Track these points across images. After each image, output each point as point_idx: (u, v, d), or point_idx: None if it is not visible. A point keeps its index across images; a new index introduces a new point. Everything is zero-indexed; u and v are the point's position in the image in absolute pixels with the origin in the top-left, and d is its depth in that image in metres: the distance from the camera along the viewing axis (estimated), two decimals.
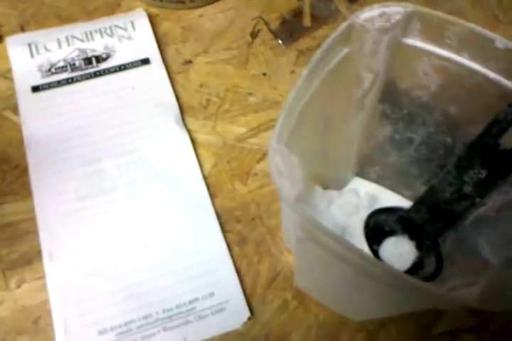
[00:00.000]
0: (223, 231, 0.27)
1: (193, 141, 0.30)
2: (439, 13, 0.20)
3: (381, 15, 0.20)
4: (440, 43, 0.20)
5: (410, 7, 0.20)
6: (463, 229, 0.23)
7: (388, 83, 0.23)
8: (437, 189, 0.22)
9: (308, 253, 0.20)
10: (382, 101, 0.24)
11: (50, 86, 0.31)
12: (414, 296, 0.17)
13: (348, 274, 0.18)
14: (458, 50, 0.20)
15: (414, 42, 0.21)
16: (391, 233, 0.26)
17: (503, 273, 0.16)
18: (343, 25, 0.19)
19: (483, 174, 0.20)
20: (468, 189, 0.21)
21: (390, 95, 0.23)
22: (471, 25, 0.20)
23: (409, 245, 0.25)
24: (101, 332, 0.23)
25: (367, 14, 0.19)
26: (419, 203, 0.24)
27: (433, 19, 0.20)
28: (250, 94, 0.33)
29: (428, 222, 0.23)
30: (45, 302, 0.24)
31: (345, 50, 0.20)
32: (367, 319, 0.25)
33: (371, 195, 0.28)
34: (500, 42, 0.19)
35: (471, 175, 0.21)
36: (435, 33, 0.20)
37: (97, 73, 0.31)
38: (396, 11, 0.20)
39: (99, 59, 0.32)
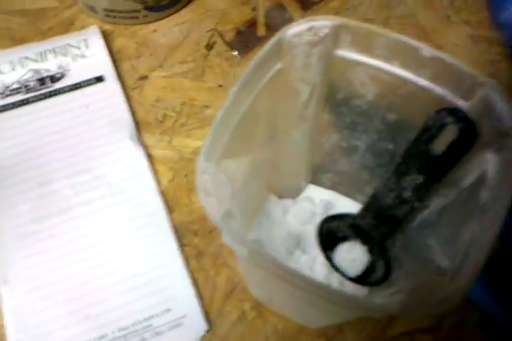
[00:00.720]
0: (180, 245, 0.27)
1: (150, 157, 0.30)
2: (366, 25, 0.20)
3: (309, 29, 0.20)
4: (371, 54, 0.21)
5: (338, 20, 0.20)
6: (410, 232, 0.24)
7: (328, 93, 0.23)
8: (379, 195, 0.23)
9: (251, 270, 0.20)
10: (325, 111, 0.24)
11: (4, 108, 0.31)
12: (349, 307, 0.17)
13: (291, 290, 0.19)
14: (388, 60, 0.21)
15: (346, 53, 0.21)
16: (344, 239, 0.26)
17: (424, 281, 0.16)
18: (271, 42, 0.19)
19: (420, 179, 0.21)
20: (407, 194, 0.21)
21: (332, 105, 0.24)
22: (398, 35, 0.20)
23: (362, 250, 0.26)
24: None
25: (295, 29, 0.20)
26: (364, 209, 0.24)
27: (361, 31, 0.20)
28: (206, 106, 0.33)
29: (374, 228, 0.24)
30: (0, 328, 0.24)
31: (277, 65, 0.20)
32: (324, 326, 0.25)
33: (326, 201, 0.28)
34: (426, 51, 0.20)
35: (408, 181, 0.21)
36: (365, 44, 0.21)
37: (52, 93, 0.32)
38: (324, 24, 0.20)
39: (54, 79, 0.32)
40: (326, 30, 0.20)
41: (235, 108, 0.18)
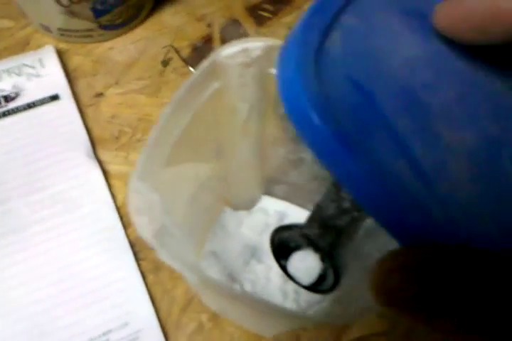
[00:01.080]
0: (137, 259, 0.28)
1: (106, 173, 0.31)
2: None
3: (243, 51, 0.21)
4: None
5: (271, 41, 0.21)
6: (357, 241, 0.25)
7: (269, 109, 0.24)
8: (322, 205, 0.24)
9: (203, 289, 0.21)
10: (269, 126, 0.25)
11: None
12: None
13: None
14: None
15: None
16: (297, 248, 0.27)
17: (348, 289, 0.17)
18: (204, 64, 0.20)
19: None
20: (346, 204, 0.22)
21: (275, 119, 0.25)
22: None
23: (314, 258, 0.27)
24: None
25: (227, 51, 0.21)
26: (310, 219, 0.25)
27: None
28: None
29: (321, 237, 0.25)
30: None
31: (214, 84, 0.21)
32: (278, 333, 0.26)
33: (280, 212, 0.29)
34: None
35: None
36: None
37: (6, 113, 0.32)
38: (257, 46, 0.21)
39: (8, 98, 0.32)
40: (258, 52, 0.21)
41: (169, 129, 0.19)
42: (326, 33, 0.14)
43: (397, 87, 0.14)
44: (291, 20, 0.40)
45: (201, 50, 0.38)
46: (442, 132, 0.14)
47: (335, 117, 0.12)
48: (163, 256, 0.18)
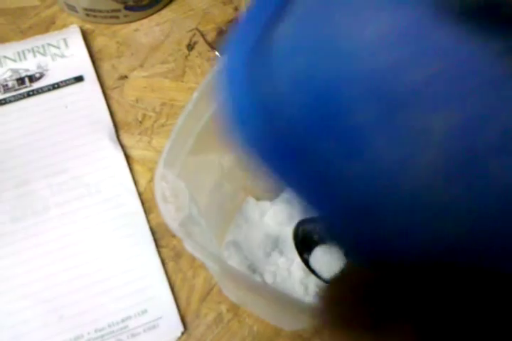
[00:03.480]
0: (158, 246, 0.27)
1: (128, 157, 0.30)
2: None
3: None
4: None
5: None
6: None
7: None
8: None
9: (221, 275, 0.20)
10: None
11: None
12: None
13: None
14: None
15: None
16: (321, 241, 0.26)
17: None
18: None
19: None
20: None
21: None
22: None
23: (338, 253, 0.26)
24: None
25: None
26: None
27: None
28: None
29: None
30: None
31: None
32: (299, 328, 0.25)
33: None
34: None
35: None
36: None
37: (30, 93, 0.31)
38: None
39: (33, 78, 0.32)
40: None
41: (195, 116, 0.18)
42: (270, 26, 0.12)
43: (355, 76, 0.12)
44: None
45: (227, 34, 0.37)
46: (411, 121, 0.12)
47: (278, 129, 0.12)
48: (189, 246, 0.18)
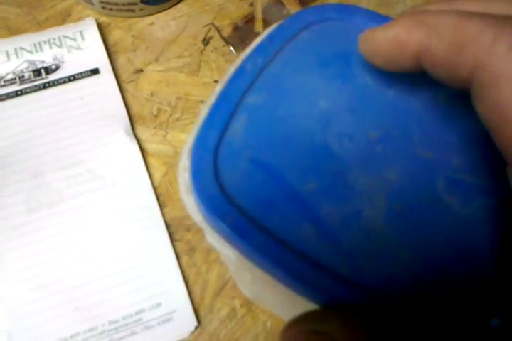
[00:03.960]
0: (172, 240, 0.27)
1: (143, 151, 0.30)
2: None
3: None
4: None
5: None
6: None
7: None
8: None
9: (238, 271, 0.20)
10: None
11: None
12: None
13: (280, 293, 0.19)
14: None
15: None
16: None
17: None
18: (256, 40, 0.19)
19: None
20: None
21: None
22: None
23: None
24: None
25: None
26: None
27: None
28: (202, 101, 0.33)
29: None
30: None
31: None
32: None
33: None
34: None
35: None
36: None
37: (46, 85, 0.31)
38: None
39: (49, 70, 0.32)
40: None
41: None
42: (225, 127, 0.15)
43: (305, 150, 0.15)
44: (335, 2, 0.38)
45: (242, 29, 0.37)
46: (357, 180, 0.15)
47: (235, 208, 0.14)
48: (210, 237, 0.18)
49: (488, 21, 0.11)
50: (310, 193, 0.15)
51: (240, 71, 0.17)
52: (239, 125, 0.16)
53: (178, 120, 0.32)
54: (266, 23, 0.37)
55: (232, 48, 0.35)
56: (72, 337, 0.24)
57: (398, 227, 0.14)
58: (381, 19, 0.18)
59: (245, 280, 0.23)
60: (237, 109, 0.16)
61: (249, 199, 0.15)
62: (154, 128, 0.31)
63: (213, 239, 0.17)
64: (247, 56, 0.18)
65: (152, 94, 0.33)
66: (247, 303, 0.26)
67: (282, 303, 0.24)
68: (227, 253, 0.18)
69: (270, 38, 0.18)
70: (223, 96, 0.17)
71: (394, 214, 0.15)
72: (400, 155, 0.15)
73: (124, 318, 0.24)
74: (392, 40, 0.13)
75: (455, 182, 0.15)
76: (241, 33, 0.36)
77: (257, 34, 0.36)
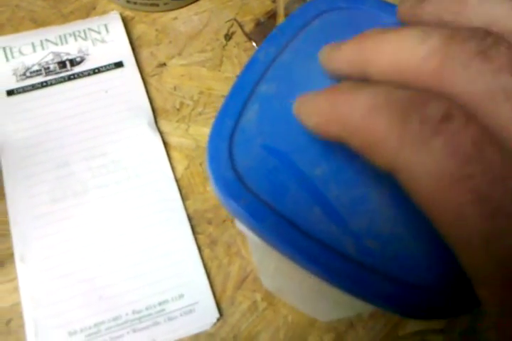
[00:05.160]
0: (194, 233, 0.27)
1: (166, 144, 0.30)
2: None
3: None
4: None
5: None
6: None
7: None
8: None
9: (264, 258, 0.20)
10: None
11: (24, 90, 0.31)
12: None
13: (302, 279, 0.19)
14: None
15: None
16: None
17: None
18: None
19: None
20: None
21: None
22: None
23: None
24: (71, 334, 0.24)
25: None
26: None
27: None
28: (224, 96, 0.33)
29: None
30: (17, 305, 0.25)
31: None
32: (335, 319, 0.25)
33: None
34: None
35: None
36: None
37: (71, 77, 0.32)
38: None
39: (73, 62, 0.32)
40: None
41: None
42: (239, 115, 0.16)
43: (313, 136, 0.15)
44: None
45: (264, 25, 0.37)
46: (363, 165, 0.15)
47: (250, 193, 0.15)
48: (240, 224, 0.18)
49: (393, 119, 0.11)
50: (319, 177, 0.15)
51: (253, 61, 0.18)
52: (252, 113, 0.17)
53: (200, 114, 0.32)
54: None
55: (254, 44, 0.35)
56: (96, 325, 0.24)
57: (404, 210, 0.15)
58: (390, 7, 0.18)
59: (268, 270, 0.24)
60: (250, 98, 0.17)
61: (263, 184, 0.15)
62: (177, 121, 0.32)
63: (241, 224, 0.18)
64: (260, 46, 0.19)
65: (175, 88, 0.33)
66: (268, 297, 0.26)
67: (303, 295, 0.24)
68: (253, 238, 0.18)
69: (282, 27, 0.19)
70: (237, 86, 0.17)
71: (400, 197, 0.15)
72: None
73: (147, 308, 0.25)
74: (316, 126, 0.14)
75: None
76: (263, 29, 0.36)
77: None
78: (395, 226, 0.15)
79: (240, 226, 0.18)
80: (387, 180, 0.15)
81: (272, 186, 0.15)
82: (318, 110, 0.13)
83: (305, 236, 0.15)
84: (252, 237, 0.18)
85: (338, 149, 0.16)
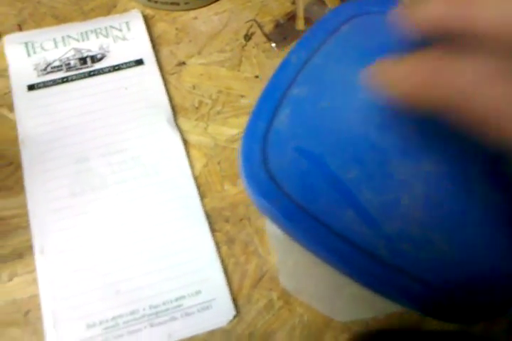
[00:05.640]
0: (212, 230, 0.27)
1: (185, 142, 0.31)
2: None
3: None
4: None
5: None
6: None
7: None
8: None
9: (286, 253, 0.21)
10: None
11: (45, 85, 0.31)
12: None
13: (329, 274, 0.19)
14: None
15: None
16: None
17: None
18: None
19: None
20: None
21: None
22: None
23: None
24: (89, 326, 0.24)
25: None
26: None
27: None
28: (242, 96, 0.33)
29: None
30: (36, 296, 0.25)
31: None
32: (351, 319, 0.25)
33: None
34: None
35: None
36: None
37: (92, 73, 0.32)
38: None
39: (94, 59, 0.32)
40: None
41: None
42: (272, 117, 0.17)
43: (347, 140, 0.16)
44: None
45: (284, 26, 0.37)
46: (395, 170, 0.15)
47: (283, 193, 0.15)
48: (268, 223, 0.18)
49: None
50: (352, 181, 0.16)
51: (285, 64, 0.18)
52: (284, 115, 0.17)
53: (218, 113, 0.32)
54: (307, 21, 0.37)
55: (273, 45, 0.36)
56: (113, 318, 0.24)
57: (435, 214, 0.15)
58: None
59: (288, 268, 0.24)
60: (283, 100, 0.17)
61: (295, 185, 0.15)
62: (196, 120, 0.32)
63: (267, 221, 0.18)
64: (291, 49, 0.19)
65: (194, 87, 0.33)
66: (285, 296, 0.26)
67: (321, 294, 0.25)
68: (276, 235, 0.18)
69: (313, 31, 0.19)
70: (270, 88, 0.18)
71: (431, 202, 0.15)
72: (438, 146, 0.16)
73: (164, 303, 0.25)
74: (408, 92, 0.13)
75: (491, 172, 0.15)
76: (282, 30, 0.37)
77: (299, 31, 0.37)
78: (427, 231, 0.15)
79: (267, 224, 0.18)
80: (420, 185, 0.16)
81: (305, 187, 0.16)
82: (414, 76, 0.13)
83: (338, 237, 0.15)
84: (275, 235, 0.18)
85: (370, 153, 0.16)
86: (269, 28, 0.37)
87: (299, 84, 0.18)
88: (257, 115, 0.17)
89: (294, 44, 0.35)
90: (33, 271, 0.26)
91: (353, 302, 0.23)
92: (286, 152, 0.16)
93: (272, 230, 0.18)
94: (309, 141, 0.16)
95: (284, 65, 0.18)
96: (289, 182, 0.16)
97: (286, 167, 0.16)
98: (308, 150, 0.16)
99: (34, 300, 0.25)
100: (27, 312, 0.25)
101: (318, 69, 0.18)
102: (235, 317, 0.25)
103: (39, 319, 0.24)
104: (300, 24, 0.37)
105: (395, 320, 0.26)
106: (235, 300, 0.26)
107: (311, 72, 0.18)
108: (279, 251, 0.23)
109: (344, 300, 0.23)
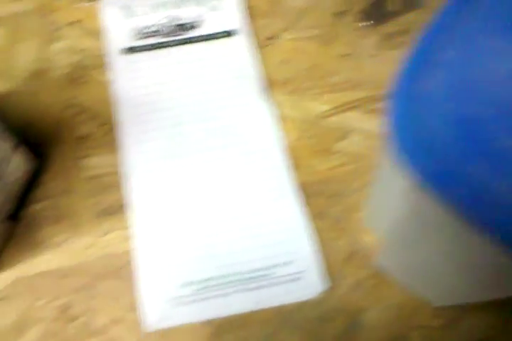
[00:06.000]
0: (303, 204, 0.27)
1: (276, 115, 0.30)
2: None
3: None
4: None
5: None
6: None
7: None
8: None
9: (411, 228, 0.20)
10: None
11: (141, 49, 0.31)
12: None
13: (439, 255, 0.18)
14: None
15: None
16: None
17: None
18: None
19: None
20: None
21: None
22: None
23: None
24: (182, 285, 0.24)
25: None
26: None
27: None
28: (333, 73, 0.32)
29: None
30: (130, 252, 0.25)
31: None
32: (448, 304, 0.24)
33: None
34: None
35: None
36: None
37: (186, 40, 0.32)
38: None
39: (190, 27, 0.32)
40: None
41: None
42: (422, 81, 0.16)
43: (504, 104, 0.14)
44: None
45: (378, 5, 0.36)
46: None
47: (435, 161, 0.14)
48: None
49: None
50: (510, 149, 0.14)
51: (435, 25, 0.17)
52: (436, 78, 0.16)
53: (309, 89, 0.32)
54: (404, 1, 0.36)
55: (366, 23, 0.35)
56: (205, 280, 0.24)
57: None
58: None
59: (396, 244, 0.23)
60: (434, 63, 0.16)
61: (449, 152, 0.15)
62: (286, 94, 0.31)
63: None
64: (440, 12, 0.18)
65: (284, 61, 0.33)
66: (376, 276, 0.25)
67: (425, 275, 0.23)
68: (401, 205, 0.17)
69: None
70: (420, 51, 0.17)
71: None
72: None
73: (254, 271, 0.24)
74: None
75: None
76: (377, 10, 0.36)
77: (393, 12, 0.36)
78: None
79: (377, 196, 0.17)
80: None
81: (458, 155, 0.15)
82: None
83: (493, 208, 0.14)
84: (393, 208, 0.17)
85: None
86: (362, 6, 0.36)
87: (450, 47, 0.16)
88: (406, 77, 0.16)
89: (388, 24, 0.34)
90: (127, 227, 0.26)
91: (456, 288, 0.22)
92: (438, 117, 0.15)
93: (391, 203, 0.17)
94: (464, 106, 0.15)
95: (433, 27, 0.17)
96: (442, 149, 0.15)
97: (439, 132, 0.15)
98: (463, 115, 0.15)
99: (128, 256, 0.25)
100: (121, 267, 0.25)
101: (472, 32, 0.17)
102: (324, 291, 0.24)
103: (132, 275, 0.24)
104: (395, 4, 0.36)
105: (492, 309, 0.25)
106: (325, 274, 0.25)
107: (464, 35, 0.17)
108: (390, 227, 0.22)
109: (447, 284, 0.22)
